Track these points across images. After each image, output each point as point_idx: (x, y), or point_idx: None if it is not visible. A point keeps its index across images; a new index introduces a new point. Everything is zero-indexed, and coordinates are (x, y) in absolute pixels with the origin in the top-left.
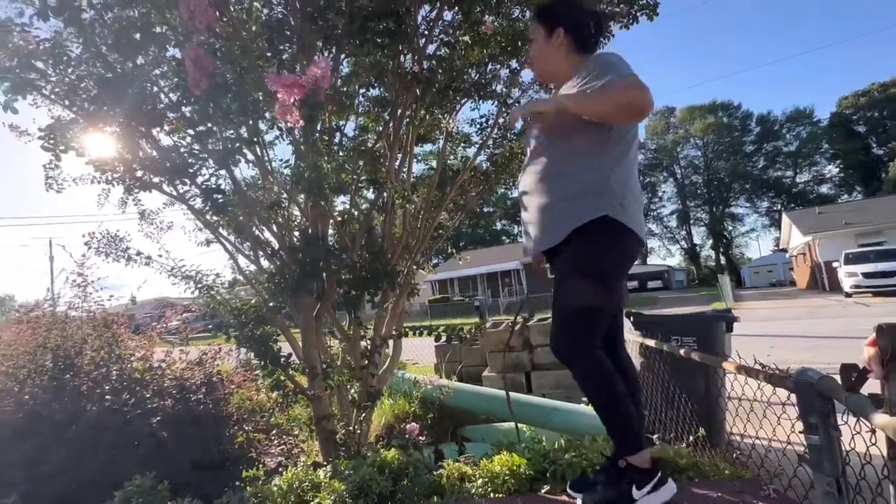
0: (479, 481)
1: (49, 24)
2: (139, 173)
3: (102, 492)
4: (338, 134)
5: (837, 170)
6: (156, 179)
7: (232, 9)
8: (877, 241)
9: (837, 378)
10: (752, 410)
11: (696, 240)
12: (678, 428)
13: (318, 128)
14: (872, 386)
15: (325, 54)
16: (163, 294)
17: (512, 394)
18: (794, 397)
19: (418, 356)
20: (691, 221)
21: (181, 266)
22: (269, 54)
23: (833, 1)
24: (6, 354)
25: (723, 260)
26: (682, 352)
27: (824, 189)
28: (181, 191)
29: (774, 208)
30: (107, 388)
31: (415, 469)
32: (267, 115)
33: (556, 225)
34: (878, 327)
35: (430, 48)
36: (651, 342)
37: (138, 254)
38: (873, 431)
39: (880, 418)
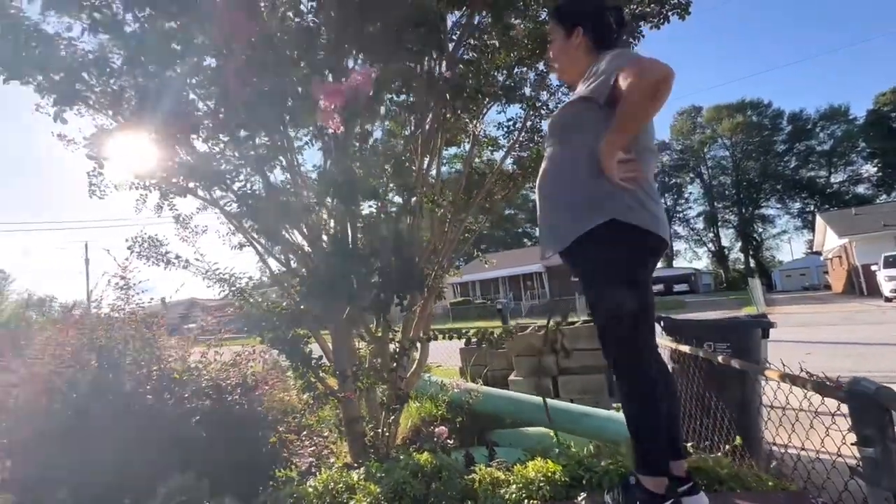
0: (513, 487)
1: (94, 38)
2: (175, 179)
3: (146, 489)
4: (370, 139)
5: (875, 169)
6: (191, 185)
7: (266, 18)
8: None
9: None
10: (797, 420)
11: (724, 242)
12: (713, 436)
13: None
14: None
15: (357, 61)
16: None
17: (525, 395)
18: (842, 407)
19: (442, 359)
20: (719, 223)
21: (215, 269)
22: (302, 63)
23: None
24: (54, 354)
25: (752, 263)
26: (720, 359)
27: (861, 189)
28: (216, 196)
29: (807, 209)
30: (148, 387)
31: (448, 473)
32: (301, 121)
33: (562, 231)
34: None
35: (459, 52)
36: (686, 348)
37: (177, 257)
38: None
39: None
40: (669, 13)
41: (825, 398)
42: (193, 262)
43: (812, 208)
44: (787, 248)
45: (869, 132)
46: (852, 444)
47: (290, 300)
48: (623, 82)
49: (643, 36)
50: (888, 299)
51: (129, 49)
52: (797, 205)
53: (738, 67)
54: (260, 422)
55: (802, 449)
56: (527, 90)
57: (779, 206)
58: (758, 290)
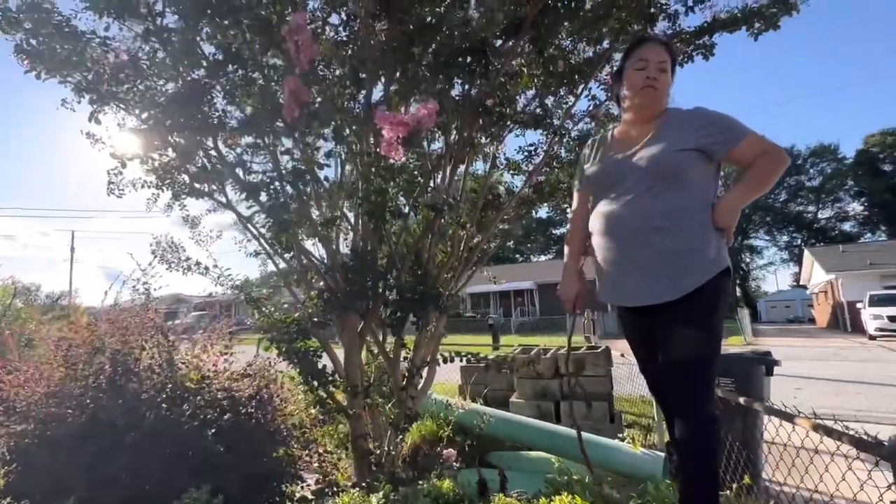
0: None
1: (125, 37)
2: (199, 184)
3: (159, 500)
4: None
5: (862, 207)
6: (212, 188)
7: (321, 44)
8: None
9: None
10: (797, 456)
11: None
12: (724, 475)
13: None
14: None
15: (397, 86)
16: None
17: (545, 423)
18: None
19: (440, 376)
20: None
21: (228, 275)
22: (350, 87)
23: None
24: (67, 357)
25: (738, 292)
26: (758, 405)
27: (847, 226)
28: (232, 199)
29: (794, 243)
30: (164, 396)
31: (469, 502)
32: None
33: (697, 267)
34: None
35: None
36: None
37: (197, 264)
38: None
39: None
40: (694, 53)
41: (823, 438)
42: (211, 269)
43: (799, 242)
44: (773, 279)
45: (857, 171)
46: (892, 502)
47: (304, 311)
48: (752, 150)
49: None
50: (872, 337)
51: (173, 56)
52: (785, 237)
53: (733, 102)
54: (273, 436)
55: (798, 488)
56: (556, 120)
57: (767, 237)
58: (745, 321)
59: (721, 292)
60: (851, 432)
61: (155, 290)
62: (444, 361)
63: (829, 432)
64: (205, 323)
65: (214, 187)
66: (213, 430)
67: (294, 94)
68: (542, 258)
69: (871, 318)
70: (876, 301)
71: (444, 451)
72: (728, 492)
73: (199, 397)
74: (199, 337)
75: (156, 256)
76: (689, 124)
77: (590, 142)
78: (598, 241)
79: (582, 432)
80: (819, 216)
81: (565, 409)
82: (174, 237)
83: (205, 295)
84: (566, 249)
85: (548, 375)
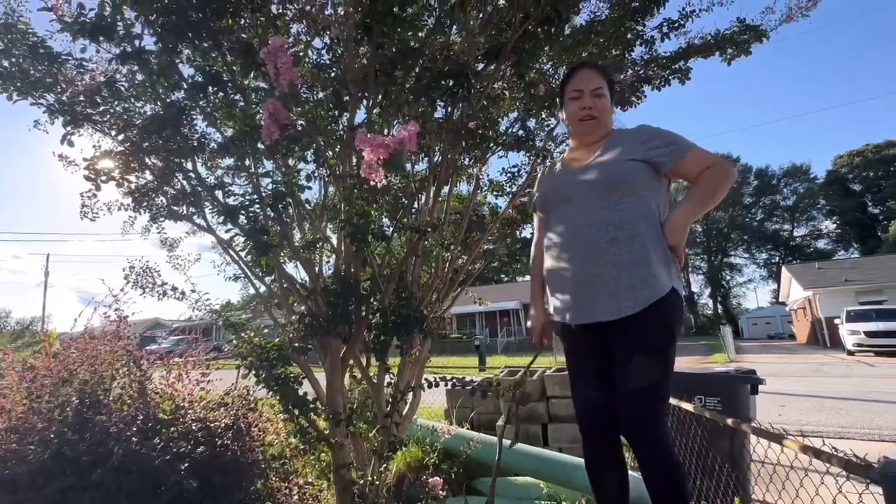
0: None
1: (101, 59)
2: (177, 207)
3: None
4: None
5: (834, 226)
6: (189, 211)
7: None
8: (877, 299)
9: None
10: (787, 478)
11: (694, 288)
12: (713, 497)
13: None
14: None
15: (380, 109)
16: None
17: (532, 448)
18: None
19: (426, 399)
20: (690, 269)
21: (206, 299)
22: (332, 109)
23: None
24: (31, 388)
25: (720, 309)
26: (745, 426)
27: (821, 244)
28: (213, 224)
29: (772, 260)
30: (134, 429)
31: None
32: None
33: (660, 282)
34: None
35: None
36: (689, 406)
37: (173, 289)
38: None
39: None
40: (671, 77)
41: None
42: (189, 294)
43: (777, 259)
44: (753, 296)
45: (828, 191)
46: None
47: (285, 336)
48: (698, 163)
49: (645, 97)
50: (850, 353)
51: (151, 79)
52: (763, 255)
53: (708, 124)
54: (251, 468)
55: None
56: (538, 142)
57: (746, 255)
58: (729, 338)
59: (676, 310)
60: (840, 454)
61: (129, 315)
62: (430, 386)
63: (817, 454)
64: (182, 348)
65: (193, 210)
66: (185, 464)
67: (273, 115)
68: (528, 278)
69: (849, 333)
70: (853, 317)
71: (430, 480)
72: None
73: (172, 429)
74: (176, 363)
75: (129, 282)
76: (636, 139)
77: (540, 169)
78: (554, 260)
79: (572, 457)
80: (795, 234)
81: (552, 431)
82: (150, 261)
83: (184, 319)
84: (531, 279)
85: (534, 398)
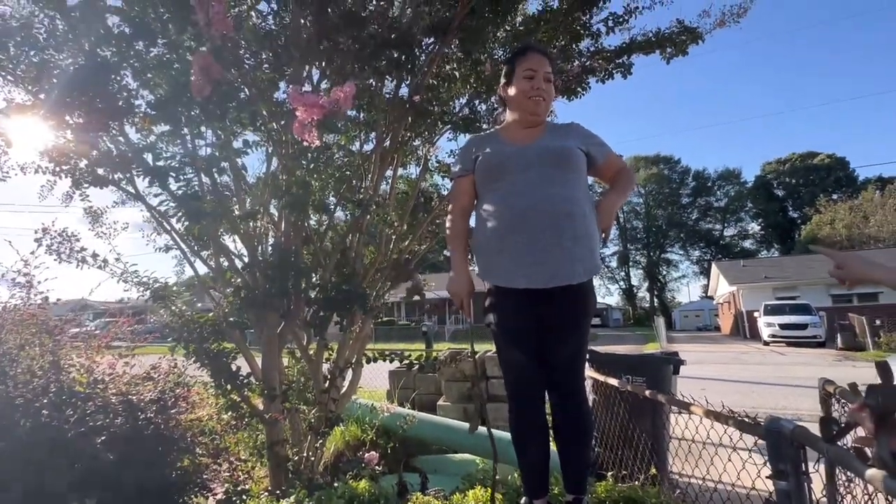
0: None
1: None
2: (101, 170)
3: None
4: (327, 151)
5: (759, 227)
6: (116, 176)
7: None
8: (791, 294)
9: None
10: (701, 452)
11: (634, 281)
12: (632, 466)
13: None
14: None
15: (323, 75)
16: (82, 296)
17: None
18: (742, 441)
19: (366, 381)
20: (630, 264)
21: (133, 271)
22: (267, 68)
23: (762, 76)
24: None
25: (656, 302)
26: (661, 397)
27: (747, 244)
28: (143, 191)
29: (705, 258)
30: (45, 401)
31: (385, 502)
32: (258, 125)
33: (597, 258)
34: (868, 387)
35: (425, 78)
36: (614, 381)
37: (94, 256)
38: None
39: (869, 471)
40: (614, 71)
41: (728, 431)
42: (112, 263)
43: (709, 257)
44: (686, 290)
45: (755, 195)
46: (767, 477)
47: (219, 311)
48: (616, 163)
49: (590, 88)
50: (766, 343)
51: (69, 24)
52: (697, 252)
53: (651, 125)
54: (176, 442)
55: (703, 479)
56: (484, 124)
57: (681, 252)
58: (661, 329)
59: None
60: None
61: (43, 282)
62: (368, 362)
63: (717, 417)
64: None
65: (120, 175)
66: (102, 437)
67: (204, 69)
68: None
69: (766, 325)
70: (769, 311)
71: (366, 455)
72: (636, 482)
73: (89, 403)
74: (98, 338)
75: (40, 245)
76: (576, 132)
77: (472, 137)
78: (503, 226)
79: (506, 433)
80: (725, 234)
81: (493, 410)
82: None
83: (114, 301)
84: (452, 243)
85: (478, 378)
